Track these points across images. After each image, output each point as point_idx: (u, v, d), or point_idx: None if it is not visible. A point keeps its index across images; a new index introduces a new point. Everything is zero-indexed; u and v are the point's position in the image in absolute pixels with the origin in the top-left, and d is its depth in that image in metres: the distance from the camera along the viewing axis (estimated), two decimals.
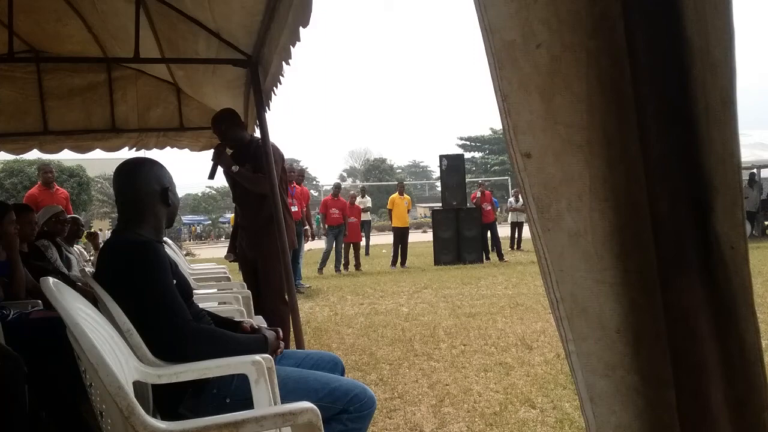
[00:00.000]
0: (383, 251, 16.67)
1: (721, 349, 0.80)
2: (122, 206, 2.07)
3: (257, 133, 4.36)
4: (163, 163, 2.14)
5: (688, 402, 0.81)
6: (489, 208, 14.07)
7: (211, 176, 4.06)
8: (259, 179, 4.01)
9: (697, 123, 0.78)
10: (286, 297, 4.01)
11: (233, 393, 1.85)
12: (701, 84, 0.76)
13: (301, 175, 10.72)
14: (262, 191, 3.99)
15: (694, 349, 0.79)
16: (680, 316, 0.80)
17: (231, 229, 6.69)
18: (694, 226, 0.79)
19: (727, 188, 0.76)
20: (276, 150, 4.13)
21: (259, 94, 3.73)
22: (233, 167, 3.99)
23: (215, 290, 4.38)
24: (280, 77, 3.47)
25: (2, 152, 5.55)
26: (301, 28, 2.67)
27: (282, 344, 2.15)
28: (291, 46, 2.94)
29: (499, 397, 3.59)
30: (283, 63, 3.22)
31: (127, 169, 2.09)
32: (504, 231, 15.79)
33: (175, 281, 1.94)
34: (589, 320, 0.92)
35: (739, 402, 0.82)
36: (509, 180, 35.34)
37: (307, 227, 9.82)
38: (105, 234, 18.19)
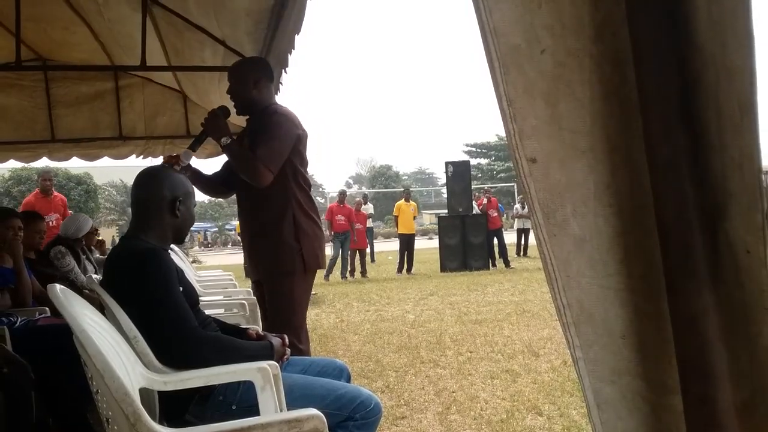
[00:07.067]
0: (389, 258, 16.65)
1: (728, 353, 0.80)
2: (133, 212, 2.11)
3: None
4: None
5: (695, 408, 0.80)
6: (495, 214, 14.03)
7: (193, 146, 2.82)
8: (251, 160, 2.66)
9: (706, 128, 0.78)
10: (299, 340, 2.73)
11: (239, 400, 1.85)
12: (713, 90, 0.76)
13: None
14: (254, 179, 2.67)
15: (701, 354, 0.79)
16: (687, 321, 0.80)
17: (238, 236, 6.58)
18: (702, 230, 0.78)
19: (743, 193, 0.76)
20: (288, 116, 2.79)
21: None
22: (223, 139, 2.71)
23: (221, 297, 4.39)
24: (279, 85, 3.47)
25: (12, 160, 5.59)
26: (296, 36, 2.68)
27: (288, 351, 2.15)
28: (288, 54, 2.94)
29: (505, 405, 3.57)
30: (283, 71, 3.23)
31: (142, 175, 2.13)
32: (510, 237, 15.73)
33: (181, 288, 1.95)
34: (595, 326, 0.91)
35: (746, 407, 0.81)
36: (515, 186, 35.27)
37: None
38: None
